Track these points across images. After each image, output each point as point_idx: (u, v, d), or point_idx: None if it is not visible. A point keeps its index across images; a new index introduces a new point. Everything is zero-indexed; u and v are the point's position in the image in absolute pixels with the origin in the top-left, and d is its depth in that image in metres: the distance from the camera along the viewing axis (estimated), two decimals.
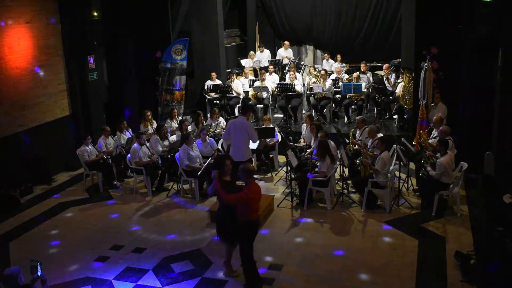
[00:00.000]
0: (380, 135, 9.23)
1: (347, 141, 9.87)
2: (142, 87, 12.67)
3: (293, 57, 15.39)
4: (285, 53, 15.43)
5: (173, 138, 10.73)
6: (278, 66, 14.50)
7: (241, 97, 12.93)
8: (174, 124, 11.38)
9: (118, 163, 10.37)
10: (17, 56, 10.06)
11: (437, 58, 9.82)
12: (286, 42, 15.70)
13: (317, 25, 16.42)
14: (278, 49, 16.54)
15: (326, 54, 15.07)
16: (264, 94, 12.73)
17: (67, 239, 8.01)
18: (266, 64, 14.38)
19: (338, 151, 9.10)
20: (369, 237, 7.53)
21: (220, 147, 10.19)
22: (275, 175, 10.32)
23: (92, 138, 10.36)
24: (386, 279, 6.38)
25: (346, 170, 9.02)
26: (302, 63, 15.60)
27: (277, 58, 15.42)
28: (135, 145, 9.68)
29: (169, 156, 9.85)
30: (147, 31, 12.21)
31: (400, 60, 13.16)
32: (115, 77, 12.85)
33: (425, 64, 9.50)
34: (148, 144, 9.92)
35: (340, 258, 6.95)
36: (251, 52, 15.47)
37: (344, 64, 14.47)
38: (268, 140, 10.28)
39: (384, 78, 12.36)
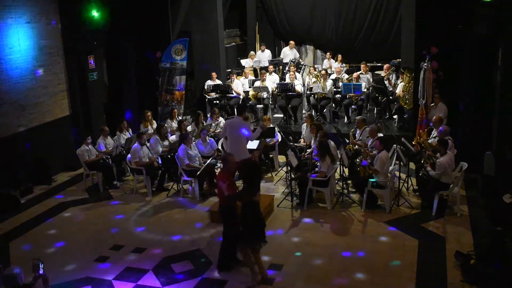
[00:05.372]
0: (380, 135, 9.23)
1: (347, 141, 9.87)
2: (142, 87, 12.68)
3: (297, 57, 15.37)
4: (290, 52, 15.42)
5: (173, 138, 10.74)
6: (278, 66, 14.49)
7: (241, 97, 12.93)
8: (174, 124, 11.39)
9: (118, 163, 10.37)
10: (17, 56, 10.06)
11: (437, 58, 9.81)
12: (292, 42, 15.72)
13: (317, 25, 16.41)
14: (278, 49, 16.52)
15: (328, 54, 15.06)
16: (264, 94, 12.73)
17: (67, 239, 8.00)
18: (266, 64, 14.37)
19: (338, 151, 9.09)
20: (369, 237, 7.53)
21: (220, 147, 10.20)
22: (275, 175, 10.32)
23: (92, 138, 10.36)
24: (386, 279, 6.38)
25: (346, 170, 9.02)
26: (302, 63, 15.59)
27: (281, 56, 15.40)
28: (136, 145, 9.68)
29: (169, 156, 9.85)
30: (147, 31, 12.22)
31: (400, 60, 13.16)
32: (115, 77, 12.85)
33: (425, 64, 9.50)
34: (148, 144, 9.93)
35: (340, 258, 6.94)
36: (251, 52, 15.47)
37: (344, 64, 14.47)
38: (268, 140, 10.28)
39: (385, 79, 12.35)
